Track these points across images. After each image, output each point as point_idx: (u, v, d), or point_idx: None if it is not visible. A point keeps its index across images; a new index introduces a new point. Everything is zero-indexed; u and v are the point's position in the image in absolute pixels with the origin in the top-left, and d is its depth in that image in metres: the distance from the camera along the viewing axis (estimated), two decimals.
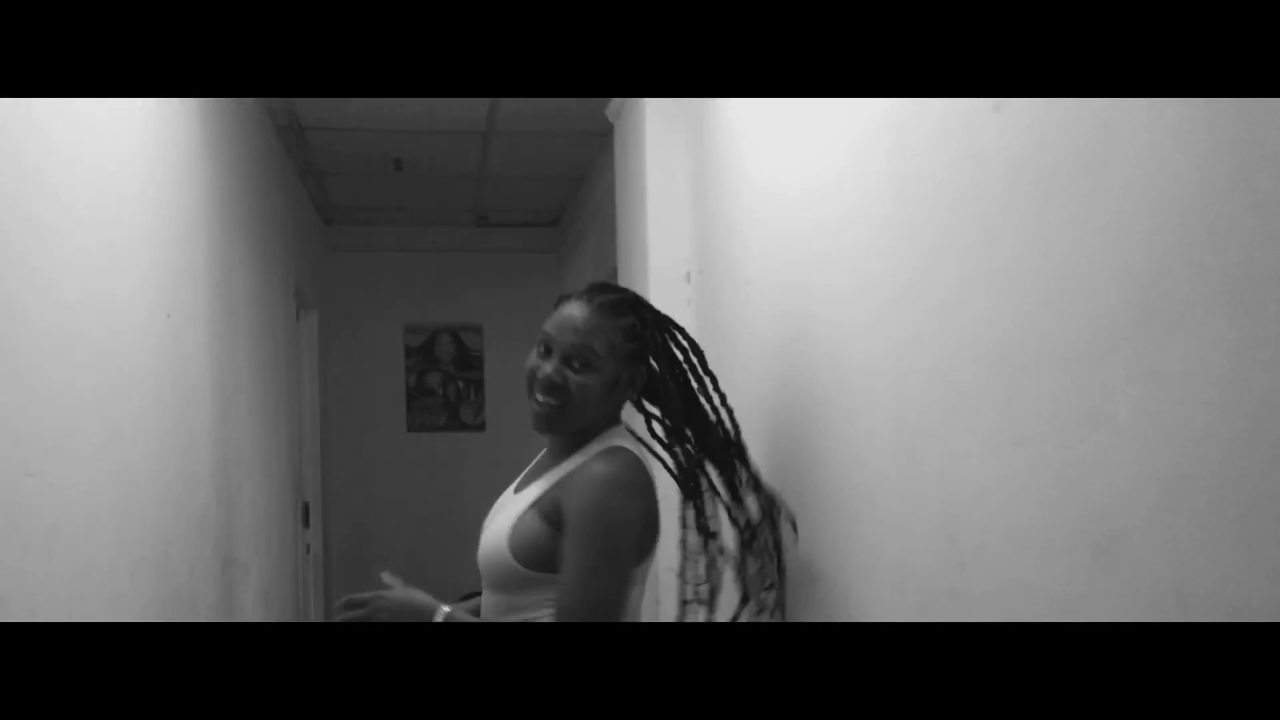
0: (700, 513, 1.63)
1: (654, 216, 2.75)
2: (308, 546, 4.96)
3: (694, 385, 1.64)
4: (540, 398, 1.53)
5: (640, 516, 1.49)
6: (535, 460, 1.70)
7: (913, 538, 1.40)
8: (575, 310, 1.54)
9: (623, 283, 3.05)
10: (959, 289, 1.27)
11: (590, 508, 1.45)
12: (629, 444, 1.55)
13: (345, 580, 5.66)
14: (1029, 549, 1.12)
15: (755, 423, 1.84)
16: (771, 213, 2.00)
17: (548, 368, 1.53)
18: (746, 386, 1.99)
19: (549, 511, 1.49)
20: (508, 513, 1.56)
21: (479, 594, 1.63)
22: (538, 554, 1.48)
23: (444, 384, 5.95)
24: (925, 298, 1.36)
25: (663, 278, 2.72)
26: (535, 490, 1.55)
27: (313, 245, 5.22)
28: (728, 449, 1.68)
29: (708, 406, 1.65)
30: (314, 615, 4.90)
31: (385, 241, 5.81)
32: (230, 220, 2.96)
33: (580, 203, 5.00)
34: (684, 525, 1.66)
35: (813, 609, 1.77)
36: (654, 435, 1.67)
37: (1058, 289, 1.06)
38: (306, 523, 4.93)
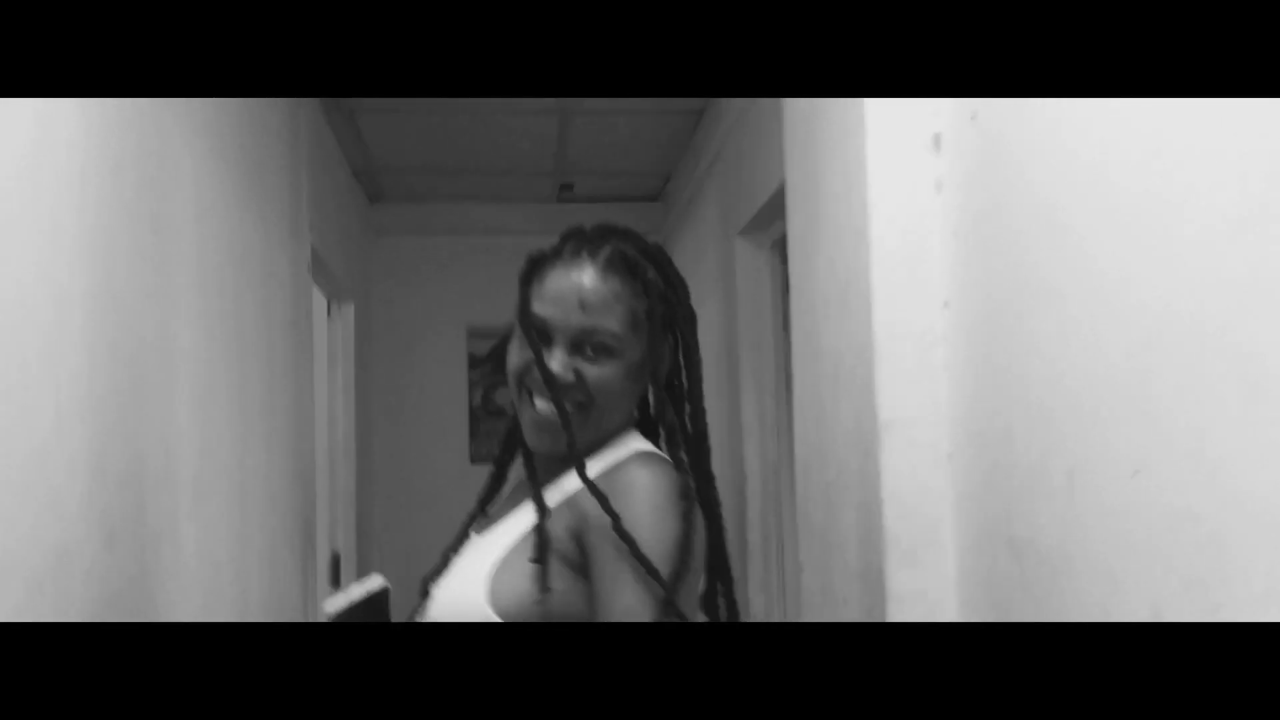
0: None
1: None
2: None
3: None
4: (541, 405, 1.13)
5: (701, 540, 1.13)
6: (489, 489, 1.29)
7: None
8: (576, 277, 1.14)
9: (802, 181, 1.95)
10: None
11: (649, 516, 1.05)
12: (652, 448, 1.18)
13: None
14: None
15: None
16: None
17: (554, 363, 1.13)
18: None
19: (558, 541, 1.09)
20: (476, 559, 1.15)
21: None
22: (531, 602, 1.11)
23: None
24: None
25: (891, 154, 1.78)
26: (517, 523, 1.15)
27: (351, 221, 4.13)
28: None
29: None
30: None
31: (444, 222, 4.69)
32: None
33: (696, 150, 3.79)
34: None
35: None
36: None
37: None
38: (337, 580, 3.81)
